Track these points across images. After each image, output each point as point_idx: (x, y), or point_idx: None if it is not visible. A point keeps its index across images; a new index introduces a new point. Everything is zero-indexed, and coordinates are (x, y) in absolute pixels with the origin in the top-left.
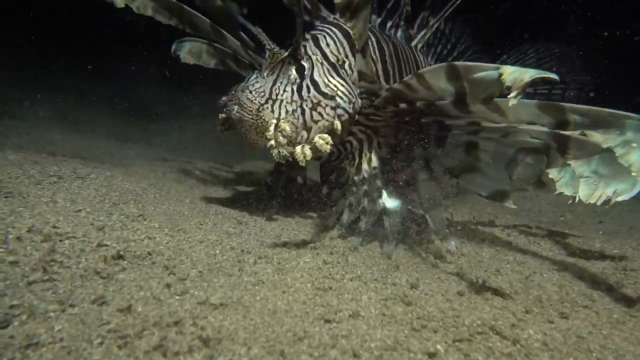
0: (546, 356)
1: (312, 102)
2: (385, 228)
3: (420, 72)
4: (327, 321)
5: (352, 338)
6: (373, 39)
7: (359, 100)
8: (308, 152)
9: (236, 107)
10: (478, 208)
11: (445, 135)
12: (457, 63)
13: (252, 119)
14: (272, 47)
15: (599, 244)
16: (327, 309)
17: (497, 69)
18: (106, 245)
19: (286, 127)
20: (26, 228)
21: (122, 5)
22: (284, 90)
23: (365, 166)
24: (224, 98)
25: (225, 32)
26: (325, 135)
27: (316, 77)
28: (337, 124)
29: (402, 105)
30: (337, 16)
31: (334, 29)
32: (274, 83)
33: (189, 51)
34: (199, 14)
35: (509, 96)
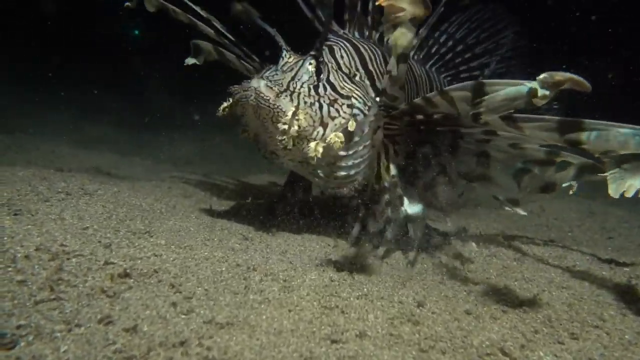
0: None
1: (329, 98)
2: (409, 236)
3: (447, 90)
4: (334, 341)
5: (359, 359)
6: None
7: (375, 108)
8: (321, 149)
9: (253, 94)
10: (485, 223)
11: (458, 144)
12: (486, 81)
13: (269, 106)
14: (289, 48)
15: (608, 261)
16: (333, 328)
17: (523, 84)
18: (113, 263)
19: (303, 117)
20: (34, 246)
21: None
22: (301, 86)
23: (384, 175)
24: (236, 86)
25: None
26: (340, 134)
27: (332, 79)
28: (352, 124)
29: (419, 117)
30: (346, 31)
31: (347, 43)
32: (292, 78)
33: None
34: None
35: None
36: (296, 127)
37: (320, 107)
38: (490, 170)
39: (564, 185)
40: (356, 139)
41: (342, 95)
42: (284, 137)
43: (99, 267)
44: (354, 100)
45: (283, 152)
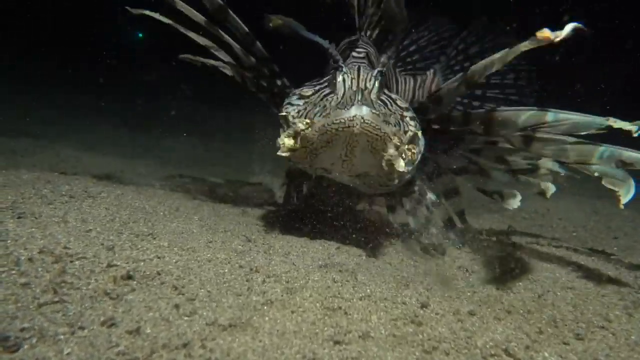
0: None
1: (399, 114)
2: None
3: (498, 112)
4: (337, 342)
5: None
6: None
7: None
8: (405, 165)
9: (358, 122)
10: (489, 224)
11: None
12: (553, 110)
13: (377, 134)
14: (353, 63)
15: (613, 261)
16: (336, 329)
17: (596, 119)
18: (116, 266)
19: (403, 139)
20: (38, 249)
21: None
22: (381, 104)
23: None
24: (323, 118)
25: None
26: (414, 148)
27: (388, 92)
28: (419, 133)
29: (435, 126)
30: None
31: (370, 47)
32: (378, 99)
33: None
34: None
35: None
36: (407, 152)
37: (398, 124)
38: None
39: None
40: (420, 148)
41: (404, 108)
42: (394, 160)
43: (102, 270)
44: (410, 111)
45: (400, 167)
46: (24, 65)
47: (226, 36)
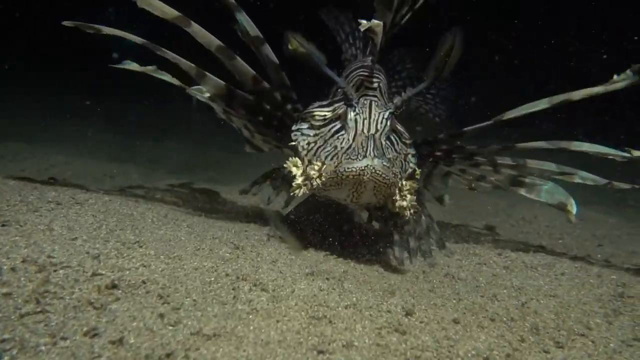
0: None
1: (403, 153)
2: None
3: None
4: (321, 352)
5: None
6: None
7: None
8: (407, 202)
9: (369, 172)
10: (475, 231)
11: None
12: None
13: (386, 183)
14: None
15: (597, 268)
16: (320, 339)
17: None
18: (101, 275)
19: (409, 186)
20: (21, 258)
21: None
22: (389, 147)
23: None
24: (338, 165)
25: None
26: (414, 184)
27: (398, 127)
28: (418, 171)
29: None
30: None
31: (385, 77)
32: (390, 144)
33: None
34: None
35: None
36: (408, 202)
37: (401, 165)
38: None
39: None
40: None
41: (408, 145)
42: (403, 211)
43: (87, 279)
44: (412, 147)
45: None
46: (15, 66)
47: (240, 60)
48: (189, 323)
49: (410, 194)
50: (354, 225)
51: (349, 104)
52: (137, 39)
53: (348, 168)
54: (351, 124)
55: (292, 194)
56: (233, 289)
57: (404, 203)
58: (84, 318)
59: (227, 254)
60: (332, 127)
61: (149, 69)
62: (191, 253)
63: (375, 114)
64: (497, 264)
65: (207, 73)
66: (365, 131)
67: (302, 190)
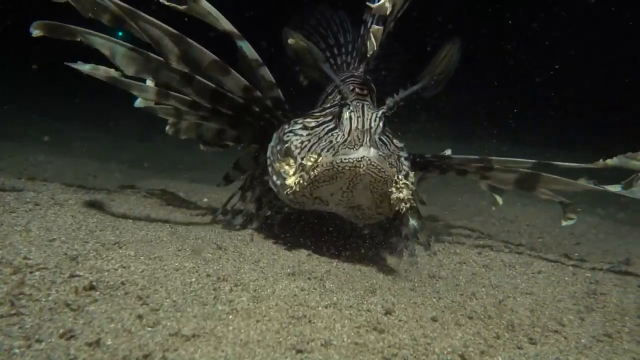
0: None
1: (396, 154)
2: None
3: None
4: (299, 351)
5: None
6: None
7: None
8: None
9: (365, 164)
10: (458, 231)
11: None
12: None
13: (382, 176)
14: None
15: (572, 267)
16: (299, 338)
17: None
18: (78, 276)
19: (406, 182)
20: None
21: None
22: (383, 145)
23: None
24: (330, 156)
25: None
26: (411, 185)
27: (388, 131)
28: (412, 175)
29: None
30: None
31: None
32: (383, 142)
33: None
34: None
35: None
36: (405, 193)
37: (397, 165)
38: None
39: None
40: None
41: (400, 148)
42: (399, 203)
43: (64, 280)
44: (404, 151)
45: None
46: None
47: (234, 72)
48: (168, 324)
49: (407, 188)
50: (338, 224)
51: (343, 104)
52: (127, 45)
53: (345, 158)
54: (346, 122)
55: (286, 193)
56: (214, 290)
57: (401, 195)
58: (60, 320)
59: (209, 255)
60: (325, 127)
61: (98, 74)
62: (172, 254)
63: (368, 114)
64: (477, 262)
65: (195, 76)
66: (360, 127)
67: (295, 185)
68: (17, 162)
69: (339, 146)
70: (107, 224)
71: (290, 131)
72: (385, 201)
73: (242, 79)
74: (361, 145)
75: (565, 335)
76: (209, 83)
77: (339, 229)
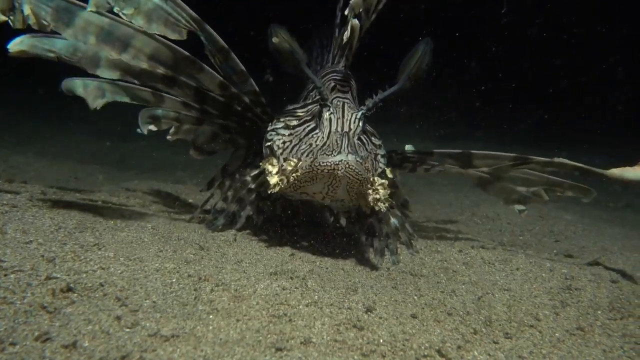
0: None
1: (374, 153)
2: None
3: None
4: (279, 349)
5: None
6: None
7: None
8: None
9: (343, 167)
10: (440, 229)
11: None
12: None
13: (359, 179)
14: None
15: (549, 263)
16: (279, 336)
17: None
18: (55, 278)
19: (381, 184)
20: None
21: None
22: (361, 146)
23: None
24: (312, 159)
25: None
26: (383, 181)
27: (368, 129)
28: (389, 171)
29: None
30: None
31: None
32: (361, 142)
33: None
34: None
35: None
36: (382, 194)
37: (373, 165)
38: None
39: None
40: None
41: (377, 146)
42: (377, 203)
43: (40, 283)
44: (382, 148)
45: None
46: None
47: (208, 69)
48: (147, 325)
49: (383, 188)
50: (321, 225)
51: (324, 104)
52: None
53: (323, 162)
54: (325, 123)
55: (269, 192)
56: (195, 290)
57: (377, 196)
58: (36, 323)
59: (191, 255)
60: (306, 127)
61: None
62: (153, 255)
63: (348, 115)
64: (458, 260)
65: (177, 76)
66: (339, 129)
67: (278, 185)
68: None
69: (317, 151)
70: (87, 226)
71: (273, 130)
72: (363, 197)
73: (216, 74)
74: (339, 151)
75: (540, 330)
76: (191, 82)
77: (323, 229)
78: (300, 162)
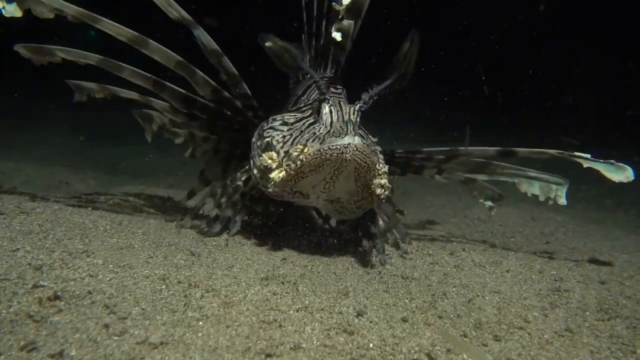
0: None
1: (373, 147)
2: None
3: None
4: (268, 355)
5: None
6: None
7: None
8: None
9: (351, 151)
10: (432, 232)
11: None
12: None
13: (367, 162)
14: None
15: (539, 265)
16: (269, 342)
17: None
18: (42, 286)
19: (385, 170)
20: None
21: None
22: (363, 136)
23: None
24: (317, 143)
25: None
26: (386, 175)
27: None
28: (386, 167)
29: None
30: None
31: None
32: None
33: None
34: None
35: None
36: (385, 180)
37: (377, 155)
38: None
39: None
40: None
41: (374, 142)
42: (380, 189)
43: (27, 291)
44: (379, 146)
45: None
46: None
47: (201, 73)
48: (136, 332)
49: (386, 176)
50: (313, 228)
51: (323, 99)
52: (95, 56)
53: (332, 145)
54: (326, 115)
55: (269, 185)
56: (185, 297)
57: (382, 181)
58: (22, 332)
59: (182, 261)
60: (306, 121)
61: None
62: (143, 261)
63: (345, 107)
64: (449, 263)
65: (167, 83)
66: (341, 119)
67: (279, 179)
68: None
69: (324, 136)
70: (76, 232)
71: (271, 127)
72: (366, 191)
73: (209, 79)
74: (346, 134)
75: (529, 332)
76: (180, 89)
77: (315, 234)
78: (307, 148)
